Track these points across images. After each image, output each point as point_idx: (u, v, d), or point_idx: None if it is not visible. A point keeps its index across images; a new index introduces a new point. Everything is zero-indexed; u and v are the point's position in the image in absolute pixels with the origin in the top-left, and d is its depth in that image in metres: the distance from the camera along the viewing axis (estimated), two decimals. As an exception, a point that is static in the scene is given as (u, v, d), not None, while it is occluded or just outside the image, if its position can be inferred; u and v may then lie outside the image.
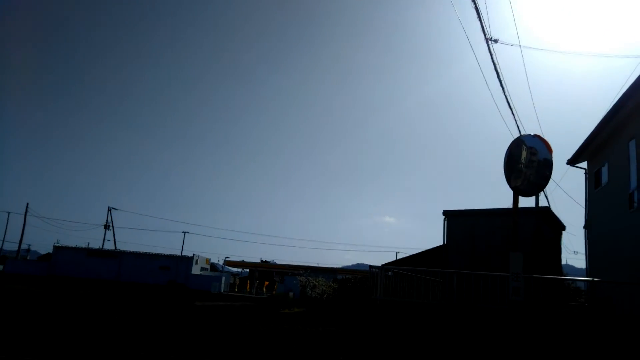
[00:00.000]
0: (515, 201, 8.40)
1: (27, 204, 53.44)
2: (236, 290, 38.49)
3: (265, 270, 46.44)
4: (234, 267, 54.59)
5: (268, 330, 10.83)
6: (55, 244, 40.47)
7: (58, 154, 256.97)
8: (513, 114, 14.95)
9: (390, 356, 7.69)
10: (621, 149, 12.48)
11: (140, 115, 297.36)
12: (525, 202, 10.72)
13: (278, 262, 57.27)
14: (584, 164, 16.69)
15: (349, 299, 18.75)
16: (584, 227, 16.52)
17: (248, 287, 37.70)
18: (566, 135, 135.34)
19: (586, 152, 15.54)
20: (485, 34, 11.56)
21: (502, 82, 12.85)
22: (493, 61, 12.15)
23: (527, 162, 8.26)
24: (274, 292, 33.38)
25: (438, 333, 8.32)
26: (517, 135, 10.22)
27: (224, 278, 37.36)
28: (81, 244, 55.90)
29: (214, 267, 49.68)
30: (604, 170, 14.27)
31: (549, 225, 13.53)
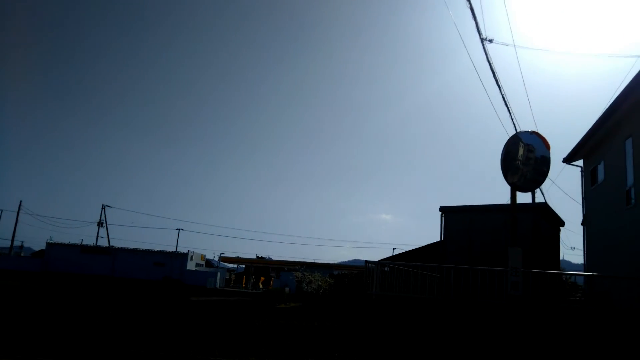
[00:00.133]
0: (514, 196, 8.40)
1: (20, 201, 53.12)
2: (232, 285, 38.43)
3: (261, 266, 46.38)
4: (230, 263, 54.55)
5: (264, 325, 10.75)
6: (49, 241, 40.22)
7: (52, 152, 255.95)
8: (509, 111, 14.99)
9: (386, 351, 7.64)
10: (617, 147, 12.67)
11: (135, 113, 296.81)
12: (521, 198, 10.76)
13: (274, 258, 57.22)
14: (580, 162, 17.03)
15: (345, 294, 18.71)
16: (582, 224, 16.65)
17: (244, 282, 37.63)
18: (560, 135, 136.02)
19: (582, 151, 15.87)
20: (480, 34, 11.62)
21: (498, 80, 12.87)
22: (488, 60, 12.21)
23: (524, 159, 8.33)
24: (270, 287, 33.37)
25: (435, 328, 8.28)
26: (513, 133, 10.23)
27: (219, 274, 37.28)
28: (75, 241, 55.48)
29: (209, 263, 49.52)
30: (600, 168, 14.50)
31: (547, 221, 13.52)
